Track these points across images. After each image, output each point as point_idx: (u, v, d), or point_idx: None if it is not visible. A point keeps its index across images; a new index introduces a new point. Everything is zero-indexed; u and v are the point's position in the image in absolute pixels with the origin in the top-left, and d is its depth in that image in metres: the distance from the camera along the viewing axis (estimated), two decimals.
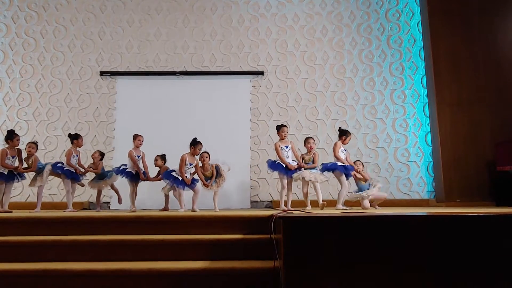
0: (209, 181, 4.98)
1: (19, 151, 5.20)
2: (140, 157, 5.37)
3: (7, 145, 5.11)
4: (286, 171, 5.08)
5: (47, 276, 2.99)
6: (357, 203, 5.22)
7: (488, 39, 6.65)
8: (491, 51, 6.61)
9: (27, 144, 5.26)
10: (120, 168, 5.29)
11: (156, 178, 5.42)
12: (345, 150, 5.24)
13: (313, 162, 5.26)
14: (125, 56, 7.11)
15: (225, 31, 7.23)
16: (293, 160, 5.17)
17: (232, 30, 7.23)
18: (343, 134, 5.28)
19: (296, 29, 7.26)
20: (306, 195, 5.33)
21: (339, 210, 4.73)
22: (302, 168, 5.15)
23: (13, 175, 5.09)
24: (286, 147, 5.17)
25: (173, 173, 4.97)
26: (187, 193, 5.07)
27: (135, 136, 5.45)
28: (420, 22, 7.17)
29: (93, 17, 7.23)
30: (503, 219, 2.44)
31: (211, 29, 7.23)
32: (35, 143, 5.32)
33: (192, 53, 7.14)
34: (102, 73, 7.00)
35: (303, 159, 5.28)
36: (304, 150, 5.42)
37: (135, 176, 5.27)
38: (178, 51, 7.14)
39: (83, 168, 5.47)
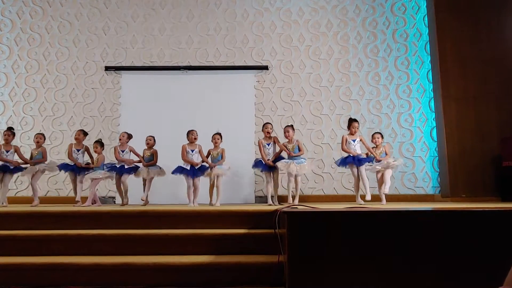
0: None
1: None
2: (124, 152, 5.54)
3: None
4: (265, 167, 5.21)
5: (54, 269, 3.03)
6: (377, 198, 5.22)
7: (495, 33, 6.56)
8: (497, 45, 6.52)
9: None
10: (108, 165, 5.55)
11: (137, 161, 5.53)
12: (354, 140, 5.22)
13: (299, 150, 5.23)
14: (129, 51, 7.11)
15: (230, 26, 7.20)
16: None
17: (236, 24, 7.21)
18: (348, 125, 5.35)
19: (300, 23, 7.21)
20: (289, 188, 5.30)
21: (358, 204, 4.81)
22: (288, 159, 5.13)
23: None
24: (268, 144, 5.33)
25: (182, 165, 5.19)
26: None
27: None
28: (426, 16, 7.09)
29: (98, 12, 7.23)
30: (509, 215, 2.43)
31: (216, 23, 7.21)
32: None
33: (197, 48, 7.13)
34: (107, 68, 7.01)
35: (286, 148, 5.22)
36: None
37: (118, 169, 5.42)
38: (183, 46, 7.14)
39: (87, 164, 5.53)
